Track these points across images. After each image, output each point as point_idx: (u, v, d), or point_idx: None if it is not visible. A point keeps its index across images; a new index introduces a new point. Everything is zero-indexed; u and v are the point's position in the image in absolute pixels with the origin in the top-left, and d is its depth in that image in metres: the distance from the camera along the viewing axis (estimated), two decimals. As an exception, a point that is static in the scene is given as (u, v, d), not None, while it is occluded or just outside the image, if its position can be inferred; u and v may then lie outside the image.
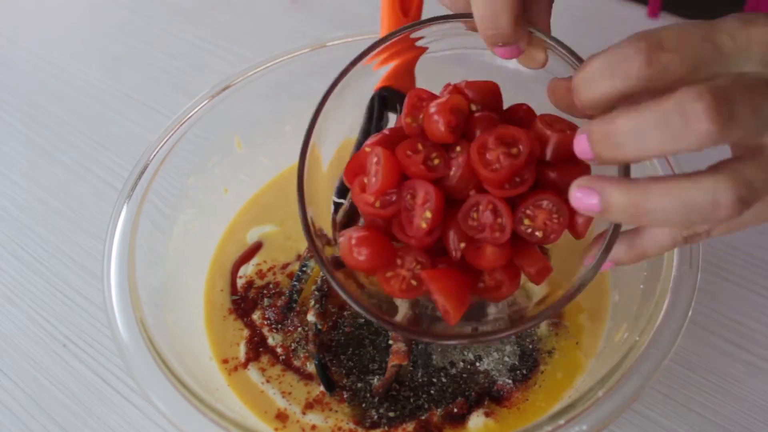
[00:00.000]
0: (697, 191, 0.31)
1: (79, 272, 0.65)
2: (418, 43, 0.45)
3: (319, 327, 0.54)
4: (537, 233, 0.39)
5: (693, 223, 0.32)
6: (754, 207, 0.32)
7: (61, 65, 0.87)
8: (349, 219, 0.48)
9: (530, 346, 0.52)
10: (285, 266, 0.60)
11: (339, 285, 0.41)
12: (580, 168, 0.39)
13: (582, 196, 0.34)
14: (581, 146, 0.34)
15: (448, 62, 0.46)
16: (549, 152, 0.39)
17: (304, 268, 0.57)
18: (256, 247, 0.61)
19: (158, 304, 0.51)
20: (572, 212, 0.39)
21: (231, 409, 0.47)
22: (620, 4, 0.84)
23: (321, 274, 0.56)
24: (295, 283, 0.56)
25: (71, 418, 0.55)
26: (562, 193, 0.39)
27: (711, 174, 0.31)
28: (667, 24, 0.33)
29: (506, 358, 0.52)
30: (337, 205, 0.48)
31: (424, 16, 0.52)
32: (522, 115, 0.42)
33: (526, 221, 0.39)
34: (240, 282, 0.59)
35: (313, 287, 0.56)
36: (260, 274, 0.59)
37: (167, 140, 0.58)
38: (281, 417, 0.51)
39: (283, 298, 0.57)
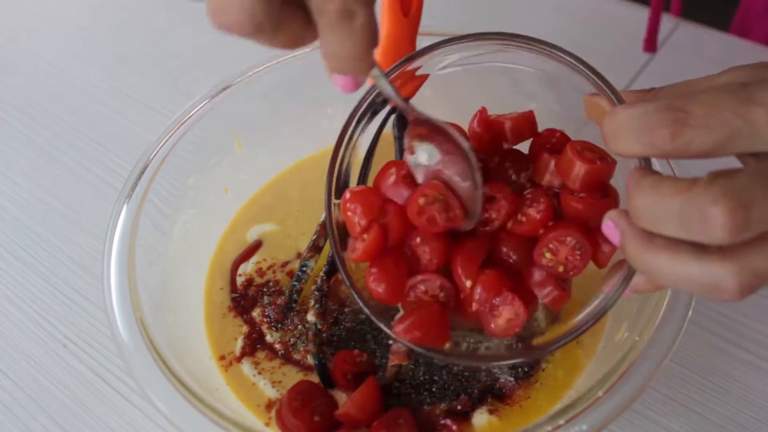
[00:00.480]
0: (702, 272, 0.31)
1: (79, 272, 0.65)
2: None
3: (319, 327, 0.54)
4: (558, 268, 0.39)
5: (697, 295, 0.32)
6: None
7: (61, 65, 0.87)
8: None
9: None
10: (285, 264, 0.60)
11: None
12: (608, 201, 0.39)
13: (609, 228, 0.34)
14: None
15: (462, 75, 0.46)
16: (577, 182, 0.39)
17: (304, 268, 0.57)
18: (256, 246, 0.61)
19: (158, 304, 0.51)
20: (596, 246, 0.39)
21: (231, 408, 0.47)
22: (620, 4, 0.84)
23: (321, 274, 0.56)
24: (295, 283, 0.56)
25: (71, 418, 0.55)
26: (585, 227, 0.39)
27: (719, 257, 0.30)
28: (703, 90, 0.31)
29: (507, 357, 0.52)
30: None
31: (424, 16, 0.52)
32: (555, 141, 0.42)
33: (548, 255, 0.39)
34: (240, 280, 0.59)
35: (313, 287, 0.56)
36: (260, 272, 0.59)
37: (167, 140, 0.58)
38: (271, 407, 0.51)
39: (282, 297, 0.57)
